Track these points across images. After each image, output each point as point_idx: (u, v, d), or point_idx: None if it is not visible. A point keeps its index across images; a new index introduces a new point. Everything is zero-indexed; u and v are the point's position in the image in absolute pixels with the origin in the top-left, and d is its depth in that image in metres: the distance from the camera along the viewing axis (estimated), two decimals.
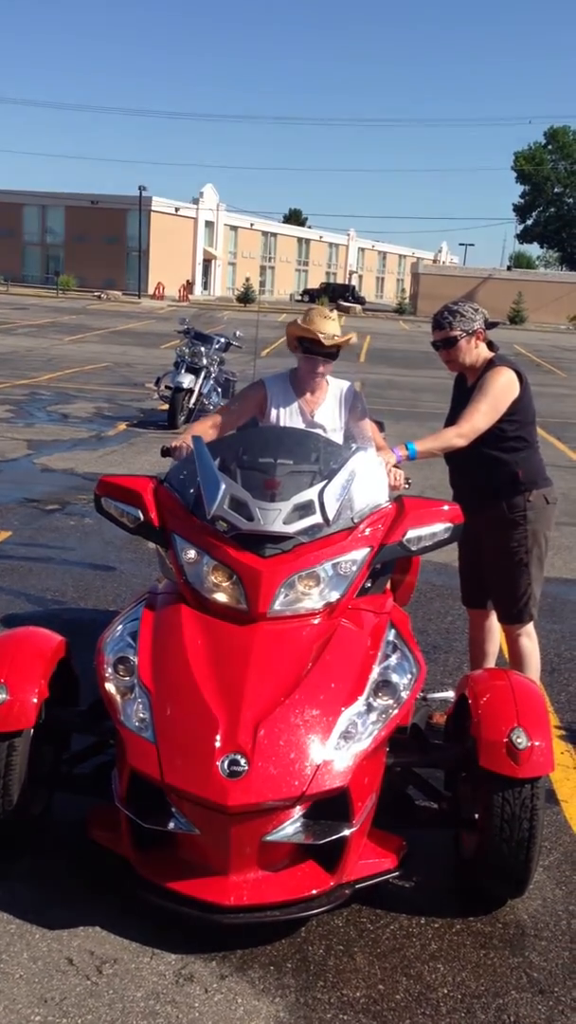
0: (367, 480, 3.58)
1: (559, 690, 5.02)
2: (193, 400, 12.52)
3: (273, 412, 4.17)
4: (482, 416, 4.01)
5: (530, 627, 4.28)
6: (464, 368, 4.23)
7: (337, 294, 66.15)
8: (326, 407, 4.21)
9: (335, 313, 4.23)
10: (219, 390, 13.03)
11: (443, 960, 2.96)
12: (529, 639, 4.28)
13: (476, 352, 4.17)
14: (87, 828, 3.21)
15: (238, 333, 13.68)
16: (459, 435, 4.02)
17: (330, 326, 4.04)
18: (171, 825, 2.88)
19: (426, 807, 3.47)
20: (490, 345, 4.22)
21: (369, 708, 3.05)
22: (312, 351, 4.05)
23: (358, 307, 62.90)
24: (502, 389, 4.04)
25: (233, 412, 4.30)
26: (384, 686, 3.11)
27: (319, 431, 4.02)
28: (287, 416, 4.16)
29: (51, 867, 3.28)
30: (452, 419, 4.26)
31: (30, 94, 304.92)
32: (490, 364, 4.13)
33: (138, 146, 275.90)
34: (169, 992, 2.74)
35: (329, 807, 2.90)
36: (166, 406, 12.73)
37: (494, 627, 4.50)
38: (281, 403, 4.18)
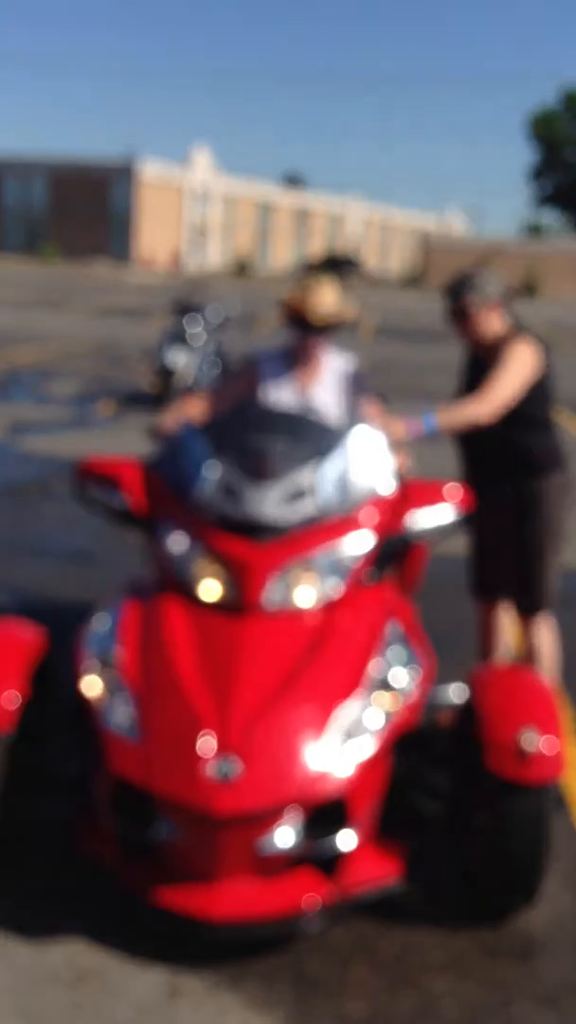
0: (367, 462, 3.57)
1: (574, 686, 5.01)
2: (184, 378, 12.49)
3: (266, 390, 4.15)
4: (506, 388, 3.94)
5: (542, 621, 4.28)
6: (479, 340, 4.19)
7: (338, 266, 65.82)
8: (323, 385, 4.18)
9: (331, 286, 4.20)
10: (211, 367, 13.00)
11: (447, 971, 2.97)
12: (547, 630, 4.29)
13: (492, 324, 4.12)
14: (69, 835, 3.21)
15: (232, 307, 13.64)
16: (483, 409, 3.92)
17: (326, 300, 4.00)
18: (157, 833, 2.88)
19: (430, 812, 3.48)
20: (509, 317, 4.19)
21: (370, 707, 3.04)
22: (306, 327, 4.02)
23: (361, 279, 62.67)
24: (525, 362, 4.01)
25: (224, 391, 4.29)
26: (386, 684, 3.11)
27: (315, 410, 4.00)
28: (281, 394, 4.14)
29: (32, 876, 3.30)
30: (464, 395, 4.24)
31: (11, 48, 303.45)
32: (510, 337, 4.11)
33: (127, 108, 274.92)
34: (156, 1007, 2.75)
35: (327, 813, 2.90)
36: (156, 384, 12.70)
37: (505, 619, 4.50)
38: (275, 381, 4.16)
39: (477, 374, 4.17)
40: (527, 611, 4.28)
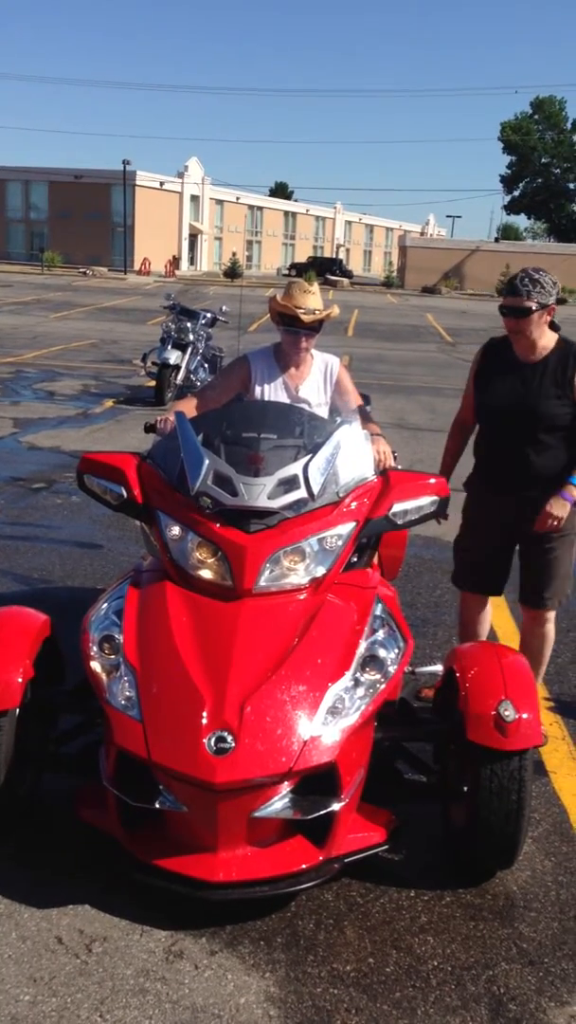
0: (352, 454, 3.56)
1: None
2: (180, 376, 12.43)
3: (257, 388, 4.13)
4: None
5: (552, 614, 4.15)
6: (526, 341, 3.90)
7: (324, 268, 65.78)
8: (311, 381, 4.16)
9: (316, 286, 4.17)
10: (206, 366, 12.94)
11: (433, 932, 2.96)
12: (551, 625, 4.16)
13: (543, 328, 3.90)
14: (75, 807, 3.19)
15: (224, 308, 13.58)
16: None
17: (311, 300, 3.99)
18: (159, 803, 2.87)
19: (415, 781, 3.47)
20: (551, 324, 3.96)
21: (356, 683, 3.03)
22: (294, 326, 4.00)
23: (346, 281, 62.59)
24: None
25: (217, 388, 4.26)
26: (371, 661, 3.10)
27: (304, 406, 3.98)
28: (272, 391, 4.12)
29: (40, 847, 3.27)
30: (498, 394, 4.00)
31: (9, 68, 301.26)
32: (566, 347, 3.90)
33: (122, 119, 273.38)
34: (159, 969, 2.74)
35: (317, 782, 2.90)
36: (153, 382, 12.65)
37: (489, 612, 4.41)
38: (265, 378, 4.13)
39: (523, 374, 3.93)
40: (538, 605, 4.09)
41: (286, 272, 70.82)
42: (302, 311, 3.94)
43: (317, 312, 3.98)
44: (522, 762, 3.02)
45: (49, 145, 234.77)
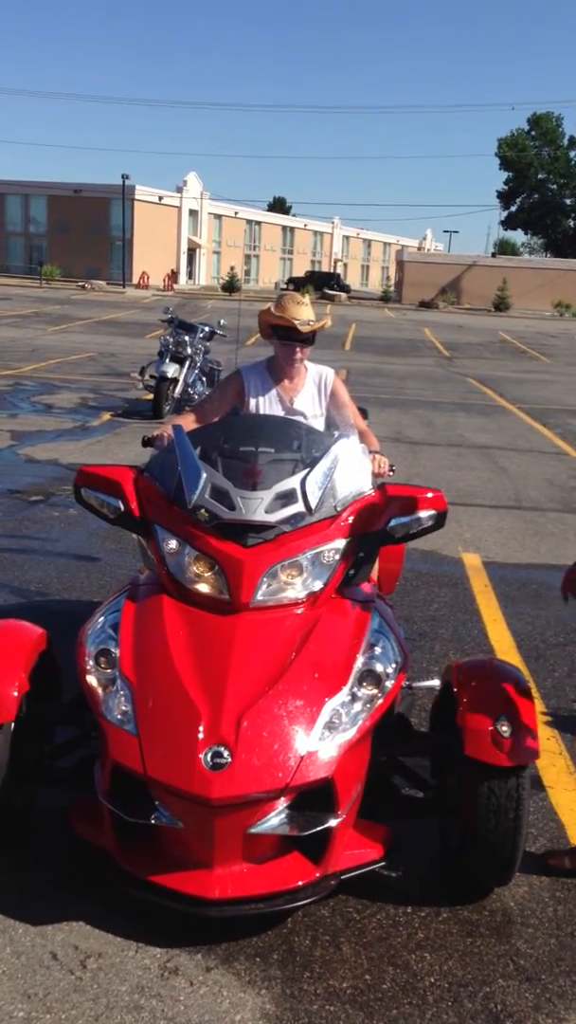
0: (350, 467, 3.55)
1: (544, 676, 5.01)
2: (178, 389, 12.43)
3: (252, 401, 4.12)
4: None
5: None
6: None
7: (322, 282, 66.03)
8: (305, 394, 4.16)
9: (307, 298, 4.18)
10: (203, 379, 12.95)
11: (430, 949, 2.94)
12: None
13: None
14: (70, 822, 3.17)
15: (222, 322, 13.60)
16: None
17: (304, 311, 3.99)
18: (154, 818, 2.85)
19: (412, 796, 3.45)
20: None
21: (353, 698, 3.02)
22: (289, 338, 4.00)
23: (343, 295, 62.78)
24: None
25: (213, 403, 4.26)
26: (368, 675, 3.08)
27: (299, 418, 3.98)
28: (266, 404, 4.11)
29: (34, 861, 3.25)
30: None
31: (9, 82, 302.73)
32: None
33: (121, 134, 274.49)
34: (154, 986, 2.72)
35: (314, 798, 2.88)
36: (151, 396, 12.65)
37: None
38: (259, 392, 4.13)
39: None
40: None
41: (284, 286, 71.01)
42: (299, 322, 3.94)
43: (312, 323, 3.99)
44: (519, 778, 3.00)
45: (48, 159, 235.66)
